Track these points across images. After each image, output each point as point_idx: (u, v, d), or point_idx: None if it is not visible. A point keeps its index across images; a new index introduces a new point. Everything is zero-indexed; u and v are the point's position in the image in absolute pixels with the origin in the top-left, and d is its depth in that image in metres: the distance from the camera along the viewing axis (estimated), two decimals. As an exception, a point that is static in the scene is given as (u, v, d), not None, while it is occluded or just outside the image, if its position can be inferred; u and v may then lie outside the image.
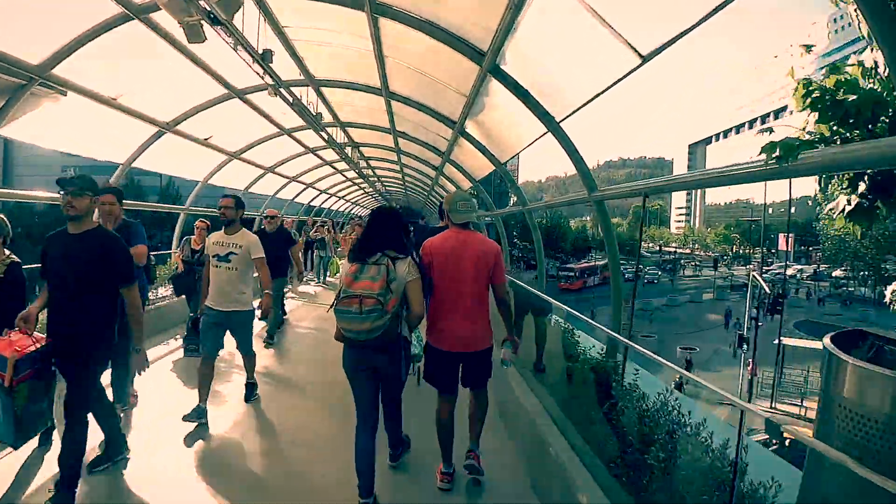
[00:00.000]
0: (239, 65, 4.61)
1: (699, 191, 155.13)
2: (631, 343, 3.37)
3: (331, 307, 2.86)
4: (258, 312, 4.55)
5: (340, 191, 20.17)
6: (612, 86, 3.58)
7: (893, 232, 46.84)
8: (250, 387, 4.88)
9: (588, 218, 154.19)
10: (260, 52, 4.54)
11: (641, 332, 31.30)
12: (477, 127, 6.82)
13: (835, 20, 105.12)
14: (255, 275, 4.47)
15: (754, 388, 21.55)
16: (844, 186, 2.23)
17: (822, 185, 2.40)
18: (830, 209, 2.36)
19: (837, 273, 48.67)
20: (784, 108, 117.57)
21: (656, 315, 38.43)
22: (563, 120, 4.61)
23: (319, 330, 8.18)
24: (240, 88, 6.58)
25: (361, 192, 23.33)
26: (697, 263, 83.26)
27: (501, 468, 3.58)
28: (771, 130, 2.21)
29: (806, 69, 2.36)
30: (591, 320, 4.30)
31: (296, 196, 16.08)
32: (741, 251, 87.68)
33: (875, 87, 2.05)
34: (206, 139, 7.92)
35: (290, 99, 6.05)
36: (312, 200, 19.10)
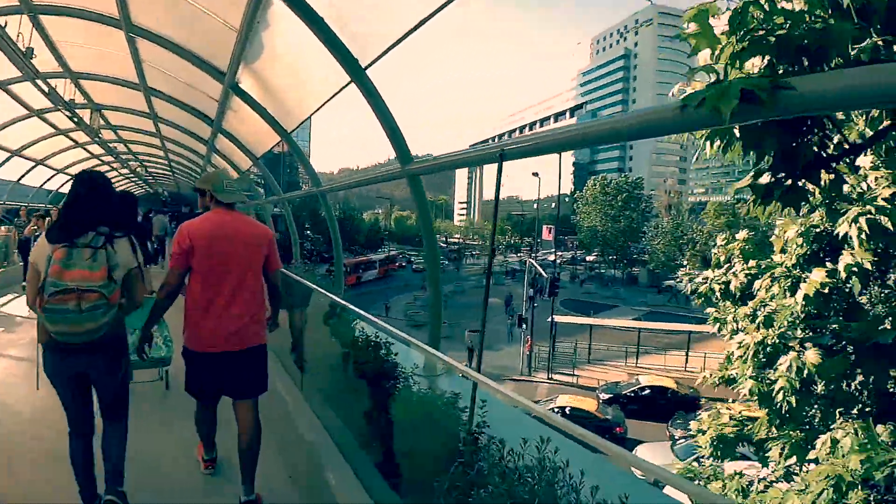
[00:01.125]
0: None
1: (478, 188, 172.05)
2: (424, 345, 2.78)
3: (33, 306, 2.30)
4: None
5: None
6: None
7: (638, 222, 58.50)
8: None
9: (380, 210, 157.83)
10: None
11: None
12: (256, 81, 5.34)
13: (597, 41, 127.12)
14: None
15: (533, 361, 24.02)
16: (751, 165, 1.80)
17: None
18: (737, 191, 1.84)
19: (590, 258, 58.52)
20: (548, 118, 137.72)
21: (447, 302, 40.64)
22: (369, 66, 3.54)
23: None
24: None
25: (121, 177, 18.89)
26: (478, 253, 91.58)
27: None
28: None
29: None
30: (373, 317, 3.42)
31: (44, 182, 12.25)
32: (512, 241, 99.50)
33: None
34: None
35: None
36: (61, 187, 14.84)
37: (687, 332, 25.52)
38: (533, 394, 21.51)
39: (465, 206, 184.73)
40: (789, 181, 1.68)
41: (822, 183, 1.69)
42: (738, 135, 1.62)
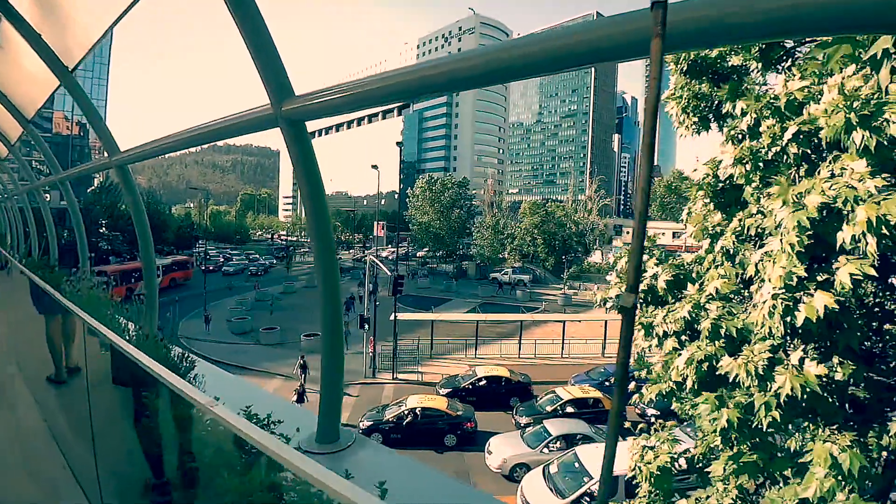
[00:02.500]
0: None
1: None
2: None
3: None
4: None
5: None
6: None
7: (465, 219, 60.97)
8: None
9: (192, 203, 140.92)
10: None
11: (263, 325, 29.45)
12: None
13: (423, 44, 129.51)
14: None
15: (376, 361, 23.11)
16: None
17: None
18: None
19: (421, 253, 59.57)
20: (376, 115, 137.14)
21: (276, 304, 37.28)
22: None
23: None
24: None
25: None
26: (307, 250, 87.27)
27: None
28: None
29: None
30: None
31: None
32: (342, 238, 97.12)
33: None
34: None
35: None
36: None
37: (519, 321, 27.16)
38: (380, 396, 20.62)
39: (289, 200, 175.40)
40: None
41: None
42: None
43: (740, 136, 4.13)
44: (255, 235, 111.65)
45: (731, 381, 3.70)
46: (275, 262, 62.21)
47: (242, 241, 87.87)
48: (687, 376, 3.75)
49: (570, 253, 55.37)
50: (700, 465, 4.44)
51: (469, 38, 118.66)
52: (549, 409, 17.73)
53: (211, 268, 55.58)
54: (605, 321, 27.34)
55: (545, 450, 14.76)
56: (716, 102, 5.29)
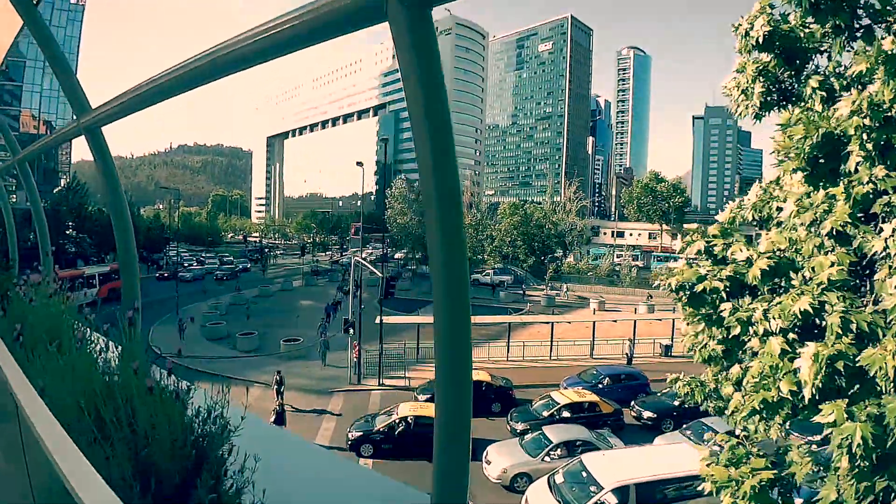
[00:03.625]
0: None
1: (278, 182, 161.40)
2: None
3: None
4: None
5: None
6: None
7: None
8: None
9: (161, 205, 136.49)
10: None
11: (239, 330, 28.13)
12: None
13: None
14: None
15: (361, 368, 22.15)
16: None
17: None
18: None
19: (399, 255, 58.55)
20: (352, 115, 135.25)
21: (252, 308, 35.81)
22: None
23: None
24: None
25: None
26: (282, 252, 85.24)
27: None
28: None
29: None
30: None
31: None
32: (318, 239, 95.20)
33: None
34: None
35: None
36: None
37: (507, 323, 26.58)
38: (366, 404, 19.71)
39: (262, 201, 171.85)
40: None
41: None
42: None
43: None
44: (227, 238, 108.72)
45: (862, 387, 3.07)
46: (249, 265, 60.23)
47: (215, 243, 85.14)
48: (806, 382, 3.09)
49: (550, 253, 55.23)
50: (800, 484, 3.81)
51: (446, 40, 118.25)
52: (545, 414, 17.13)
53: (165, 275, 47.44)
54: (594, 322, 27.01)
55: (547, 458, 14.12)
56: (784, 83, 4.75)
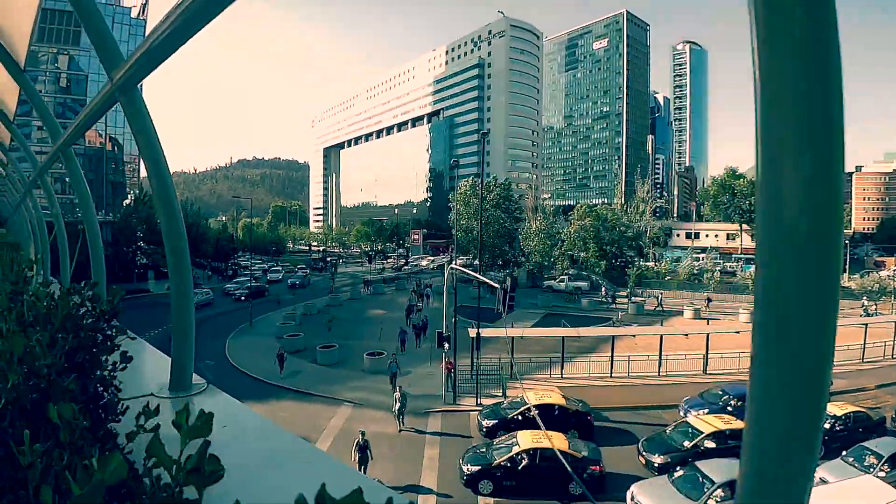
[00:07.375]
0: None
1: (334, 192, 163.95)
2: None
3: None
4: None
5: None
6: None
7: (511, 224, 58.25)
8: None
9: (224, 217, 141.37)
10: None
11: (316, 343, 26.94)
12: None
13: (452, 49, 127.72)
14: None
15: (454, 385, 20.24)
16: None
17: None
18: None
19: (461, 261, 56.67)
20: (406, 123, 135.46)
21: (325, 318, 34.64)
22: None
23: None
24: None
25: None
26: (345, 260, 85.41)
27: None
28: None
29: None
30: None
31: None
32: (379, 247, 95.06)
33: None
34: None
35: None
36: None
37: (610, 336, 24.02)
38: (466, 426, 17.72)
39: (319, 211, 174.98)
40: None
41: None
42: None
43: None
44: (291, 247, 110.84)
45: None
46: (317, 273, 60.08)
47: (279, 252, 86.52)
48: None
49: (622, 257, 51.76)
50: None
51: (499, 42, 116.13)
52: (686, 444, 14.58)
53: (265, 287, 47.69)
54: (707, 334, 23.95)
55: (710, 502, 11.67)
56: None
